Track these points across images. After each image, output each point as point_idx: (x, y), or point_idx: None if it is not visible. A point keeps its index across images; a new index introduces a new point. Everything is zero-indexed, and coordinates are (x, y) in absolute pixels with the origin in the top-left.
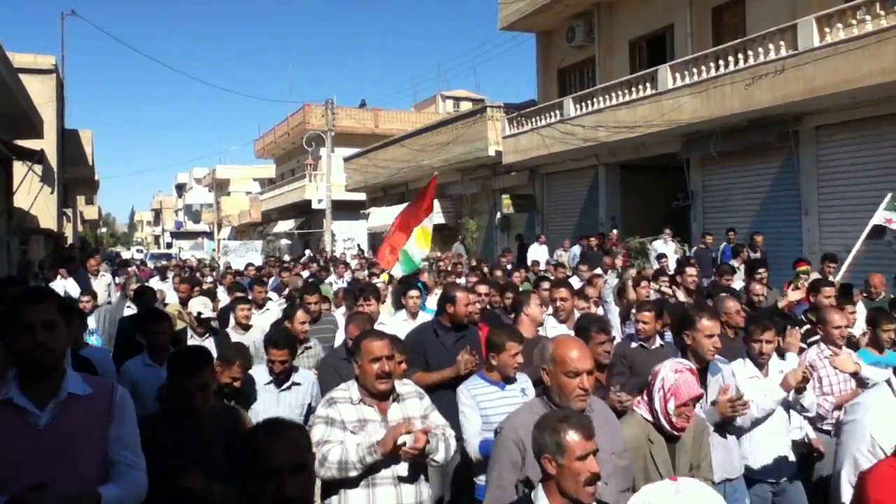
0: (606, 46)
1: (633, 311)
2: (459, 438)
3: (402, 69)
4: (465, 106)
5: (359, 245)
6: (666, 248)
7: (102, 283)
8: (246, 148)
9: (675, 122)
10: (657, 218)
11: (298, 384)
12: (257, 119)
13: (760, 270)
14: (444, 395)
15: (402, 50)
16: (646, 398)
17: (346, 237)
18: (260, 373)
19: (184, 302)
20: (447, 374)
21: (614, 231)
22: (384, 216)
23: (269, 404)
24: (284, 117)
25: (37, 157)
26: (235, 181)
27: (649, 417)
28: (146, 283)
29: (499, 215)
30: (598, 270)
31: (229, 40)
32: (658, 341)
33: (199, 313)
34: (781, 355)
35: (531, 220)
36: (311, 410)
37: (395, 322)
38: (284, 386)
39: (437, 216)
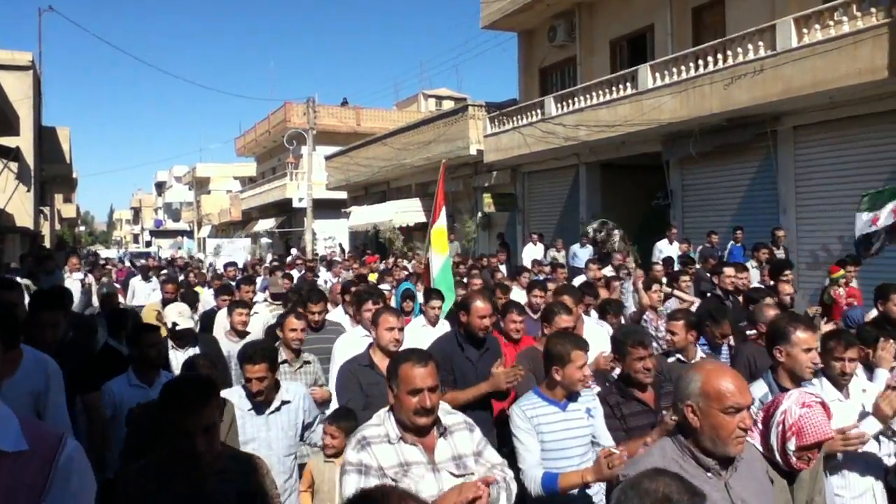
0: (587, 46)
1: (647, 316)
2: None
3: (384, 68)
4: (447, 105)
5: (340, 244)
6: (671, 248)
7: (74, 280)
8: (226, 146)
9: (656, 122)
10: (637, 217)
11: (288, 402)
12: (238, 117)
13: (787, 272)
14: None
15: (385, 48)
16: (760, 426)
17: (327, 236)
18: (237, 397)
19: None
20: (483, 389)
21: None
22: (365, 215)
23: (258, 432)
24: (265, 115)
25: (12, 154)
26: (216, 179)
27: (761, 449)
28: (117, 283)
29: (480, 214)
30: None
31: (210, 38)
32: (698, 352)
33: (175, 324)
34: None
35: (512, 218)
36: (305, 428)
37: (414, 329)
38: (272, 408)
39: (420, 214)
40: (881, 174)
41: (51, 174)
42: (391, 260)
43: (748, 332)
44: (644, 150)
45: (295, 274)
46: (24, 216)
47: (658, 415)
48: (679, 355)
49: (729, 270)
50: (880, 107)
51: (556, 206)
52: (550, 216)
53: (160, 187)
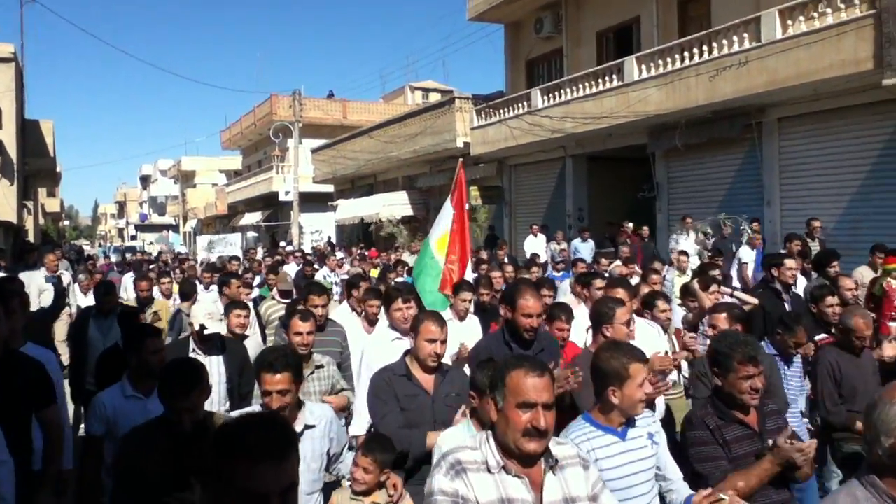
0: (574, 38)
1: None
2: None
3: (371, 60)
4: (434, 97)
5: (329, 237)
6: (687, 240)
7: (46, 281)
8: (212, 139)
9: (642, 114)
10: (624, 209)
11: (312, 426)
12: (224, 110)
13: (835, 263)
14: None
15: (371, 40)
16: None
17: (314, 229)
18: None
19: (145, 301)
20: None
21: (630, 225)
22: (352, 208)
23: None
24: (251, 108)
25: None
26: (201, 173)
27: None
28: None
29: (467, 207)
30: (633, 266)
31: (195, 30)
32: None
33: (202, 327)
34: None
35: (499, 211)
36: (332, 459)
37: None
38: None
39: (406, 208)
40: (865, 165)
41: (34, 168)
42: (394, 255)
43: (817, 337)
44: (630, 142)
45: (290, 269)
46: (7, 210)
47: (763, 440)
48: None
49: (790, 262)
50: (864, 98)
51: (543, 199)
52: (537, 208)
53: (145, 181)
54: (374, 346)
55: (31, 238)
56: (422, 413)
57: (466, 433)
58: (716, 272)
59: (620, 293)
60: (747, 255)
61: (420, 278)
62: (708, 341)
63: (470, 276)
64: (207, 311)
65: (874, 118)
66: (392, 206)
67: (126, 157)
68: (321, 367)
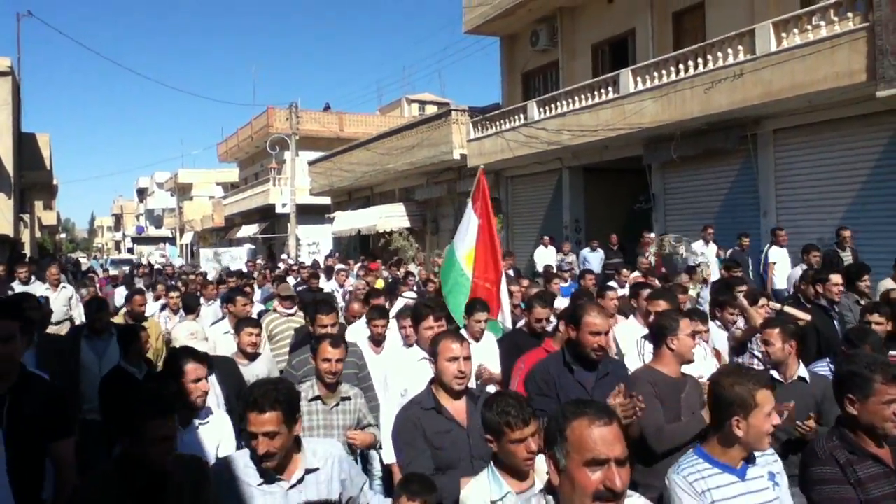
0: (569, 50)
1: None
2: None
3: (367, 72)
4: (430, 109)
5: (334, 252)
6: (707, 250)
7: (62, 297)
8: (209, 152)
9: (637, 126)
10: (620, 220)
11: (314, 470)
12: (220, 123)
13: (866, 277)
14: None
15: (367, 53)
16: None
17: (310, 241)
18: (241, 465)
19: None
20: None
21: (651, 234)
22: (349, 220)
23: None
24: (248, 121)
25: None
26: (198, 185)
27: None
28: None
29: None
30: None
31: (192, 43)
32: (798, 369)
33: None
34: None
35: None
36: None
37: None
38: (293, 481)
39: (403, 219)
40: (860, 176)
41: (31, 181)
42: (403, 268)
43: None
44: (626, 153)
45: (291, 281)
46: (3, 223)
47: None
48: (775, 371)
49: (835, 278)
50: (858, 110)
51: (540, 210)
52: (534, 220)
53: (142, 194)
54: (399, 367)
55: (27, 251)
56: (457, 449)
57: (490, 484)
58: (743, 288)
59: (663, 306)
60: (776, 254)
61: (451, 296)
62: (755, 361)
63: (506, 294)
64: (189, 330)
65: (868, 129)
66: (389, 217)
67: (123, 169)
68: (347, 398)
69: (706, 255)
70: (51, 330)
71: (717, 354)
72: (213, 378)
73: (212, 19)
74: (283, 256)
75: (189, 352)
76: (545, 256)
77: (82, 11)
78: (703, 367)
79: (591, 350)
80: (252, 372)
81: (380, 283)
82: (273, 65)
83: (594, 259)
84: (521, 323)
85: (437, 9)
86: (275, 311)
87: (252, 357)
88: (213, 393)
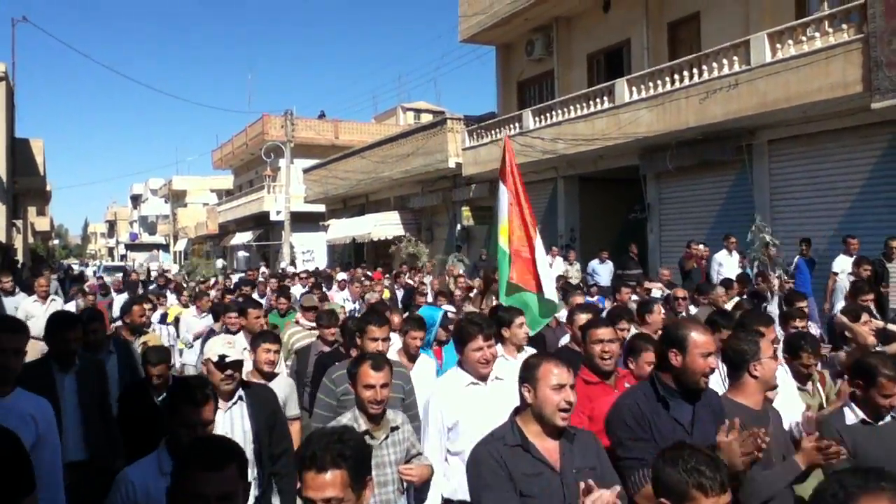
0: (565, 60)
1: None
2: None
3: (363, 80)
4: (426, 118)
5: (350, 262)
6: (730, 260)
7: (51, 310)
8: (203, 159)
9: (632, 135)
10: (615, 230)
11: None
12: (215, 129)
13: None
14: None
15: (363, 61)
16: None
17: (304, 249)
18: None
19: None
20: None
21: (701, 246)
22: (344, 228)
23: None
24: (243, 128)
25: None
26: (192, 192)
27: None
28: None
29: (459, 227)
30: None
31: (187, 50)
32: None
33: (222, 357)
34: None
35: (493, 231)
36: None
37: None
38: None
39: (398, 228)
40: (854, 187)
41: (24, 187)
42: (416, 277)
43: None
44: (621, 163)
45: (296, 290)
46: None
47: None
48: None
49: None
50: (852, 121)
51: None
52: None
53: (136, 200)
54: (445, 394)
55: (20, 257)
56: (549, 498)
57: None
58: (803, 304)
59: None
60: (842, 263)
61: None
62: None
63: (546, 265)
64: (225, 339)
65: (863, 140)
66: (384, 226)
67: (117, 176)
68: (396, 428)
69: (725, 267)
70: (37, 347)
71: (822, 378)
72: (240, 408)
73: (207, 26)
74: (283, 264)
75: (199, 383)
76: (555, 268)
77: (77, 17)
78: (796, 397)
79: (701, 376)
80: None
81: (386, 294)
82: (268, 72)
83: (604, 270)
84: (564, 339)
85: (432, 18)
86: (297, 323)
87: (269, 377)
88: (241, 427)
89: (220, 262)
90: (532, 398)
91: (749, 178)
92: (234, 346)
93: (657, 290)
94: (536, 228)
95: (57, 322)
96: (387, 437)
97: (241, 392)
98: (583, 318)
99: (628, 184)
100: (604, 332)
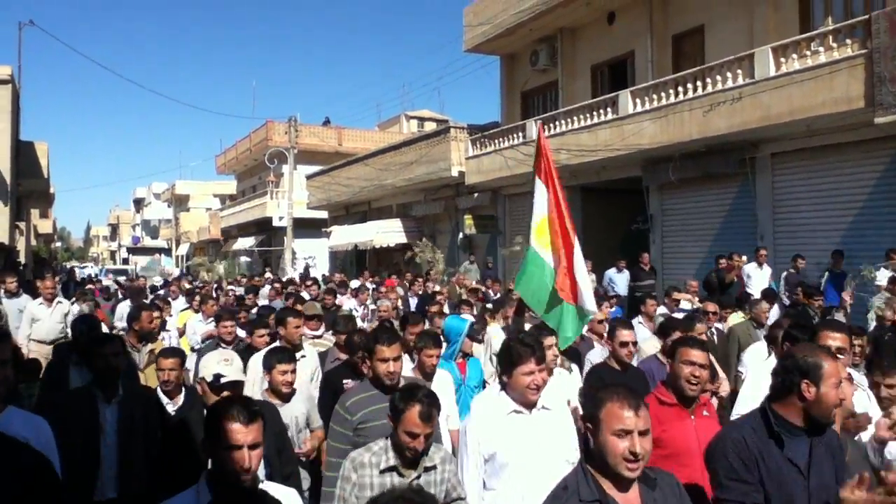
0: (569, 71)
1: None
2: None
3: (367, 88)
4: (429, 126)
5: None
6: (760, 273)
7: (58, 313)
8: (207, 163)
9: (636, 147)
10: (617, 241)
11: None
12: (219, 135)
13: None
14: None
15: (367, 69)
16: None
17: (307, 255)
18: None
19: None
20: None
21: (745, 257)
22: (346, 235)
23: None
24: (247, 133)
25: None
26: (195, 197)
27: None
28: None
29: (461, 236)
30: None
31: (192, 55)
32: None
33: (217, 376)
34: None
35: (493, 240)
36: None
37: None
38: None
39: (400, 235)
40: (857, 202)
41: (28, 189)
42: (430, 285)
43: None
44: (624, 174)
45: (305, 296)
46: None
47: None
48: None
49: None
50: (856, 136)
51: None
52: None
53: (138, 204)
54: (481, 419)
55: (22, 259)
56: None
57: None
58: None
59: (839, 338)
60: (884, 277)
61: (525, 283)
62: None
63: (585, 272)
64: (222, 356)
65: (866, 155)
66: (386, 233)
67: (120, 179)
68: (433, 467)
69: (754, 280)
70: (43, 349)
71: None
72: None
73: (213, 32)
74: (289, 269)
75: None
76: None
77: (83, 21)
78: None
79: (831, 411)
80: (290, 413)
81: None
82: (273, 78)
83: (621, 280)
84: (595, 352)
85: (437, 27)
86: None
87: (287, 397)
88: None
89: (221, 268)
90: (593, 441)
91: (752, 191)
92: (232, 364)
93: (686, 302)
94: (575, 230)
95: (92, 341)
96: (419, 477)
97: None
98: (625, 333)
99: (630, 195)
100: (698, 355)
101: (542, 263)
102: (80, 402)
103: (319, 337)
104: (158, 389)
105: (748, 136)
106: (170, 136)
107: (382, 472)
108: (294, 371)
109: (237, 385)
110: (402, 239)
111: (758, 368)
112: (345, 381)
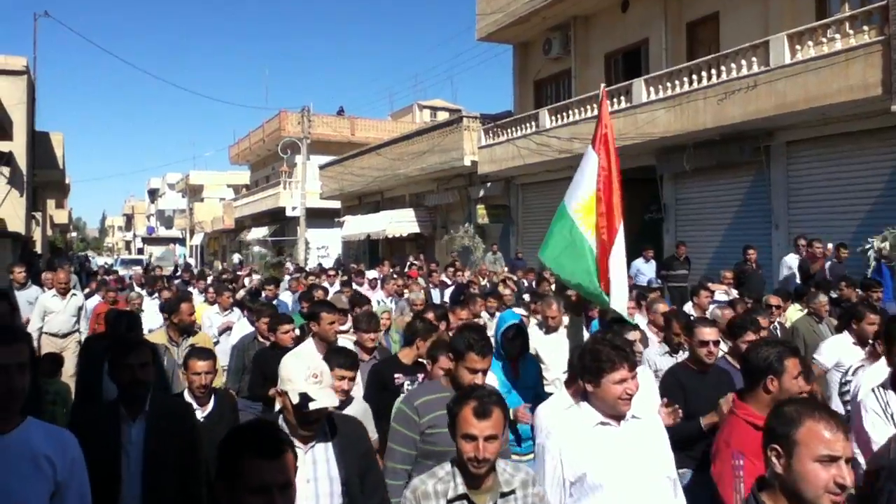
0: (582, 59)
1: None
2: None
3: (380, 78)
4: (442, 116)
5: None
6: (794, 263)
7: (72, 306)
8: (220, 154)
9: (650, 136)
10: (631, 230)
11: None
12: (232, 125)
13: None
14: None
15: (380, 59)
16: None
17: (319, 245)
18: None
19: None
20: None
21: (830, 245)
22: (359, 225)
23: None
24: (260, 124)
25: (4, 159)
26: (209, 187)
27: None
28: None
29: (473, 225)
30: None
31: (205, 45)
32: None
33: (306, 397)
34: None
35: (506, 230)
36: None
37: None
38: None
39: (413, 225)
40: (873, 190)
41: (43, 179)
42: (467, 273)
43: None
44: (638, 163)
45: (333, 287)
46: (15, 221)
47: None
48: None
49: None
50: (872, 124)
51: (550, 219)
52: (544, 228)
53: (153, 194)
54: (563, 436)
55: (38, 249)
56: None
57: None
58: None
59: None
60: (794, 264)
61: (558, 261)
62: None
63: (623, 263)
64: (311, 368)
65: (882, 143)
66: (399, 223)
67: (134, 170)
68: (510, 493)
69: (794, 268)
70: (55, 343)
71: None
72: (326, 448)
73: (226, 22)
74: (307, 259)
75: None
76: (646, 268)
77: (99, 13)
78: None
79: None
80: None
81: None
82: (286, 69)
83: (648, 270)
84: (652, 350)
85: (450, 16)
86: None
87: (341, 405)
88: (326, 473)
89: (236, 257)
90: (784, 468)
91: (767, 179)
92: (322, 383)
93: (721, 293)
94: (622, 210)
95: (115, 349)
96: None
97: (324, 425)
98: (707, 331)
99: (644, 184)
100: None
101: (583, 247)
102: (106, 417)
103: (346, 332)
104: (185, 393)
105: (763, 124)
106: (183, 126)
107: (451, 501)
108: (353, 379)
109: (325, 413)
110: (415, 229)
111: (865, 382)
112: (395, 376)
